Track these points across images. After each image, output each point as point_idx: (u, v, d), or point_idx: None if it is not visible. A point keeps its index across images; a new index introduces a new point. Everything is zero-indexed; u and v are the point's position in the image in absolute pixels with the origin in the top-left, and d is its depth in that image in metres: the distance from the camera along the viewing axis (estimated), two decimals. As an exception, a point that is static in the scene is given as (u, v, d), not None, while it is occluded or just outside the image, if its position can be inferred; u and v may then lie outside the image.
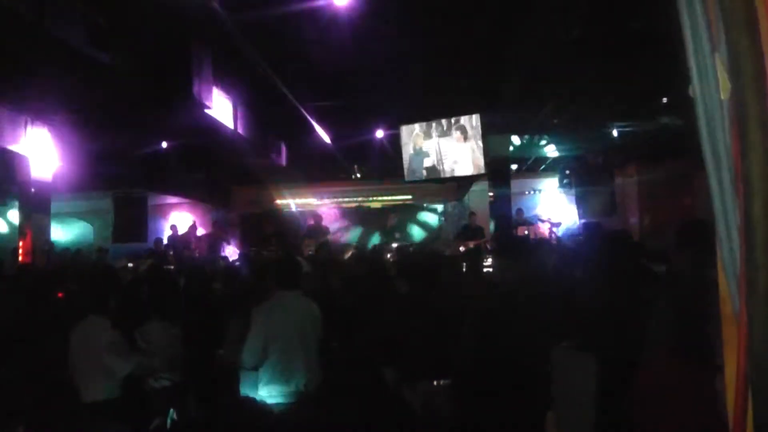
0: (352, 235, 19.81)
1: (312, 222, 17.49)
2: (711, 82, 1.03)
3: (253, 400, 4.92)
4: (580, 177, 15.56)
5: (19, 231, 12.03)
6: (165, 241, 16.77)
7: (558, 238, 14.54)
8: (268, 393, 4.90)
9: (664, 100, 11.35)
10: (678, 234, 3.82)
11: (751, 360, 0.98)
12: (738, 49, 0.92)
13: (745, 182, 0.94)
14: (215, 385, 5.41)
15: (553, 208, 18.06)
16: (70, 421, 4.88)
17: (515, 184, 16.38)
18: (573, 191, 16.37)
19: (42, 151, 11.41)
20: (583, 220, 14.98)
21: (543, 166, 18.54)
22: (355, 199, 20.10)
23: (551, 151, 15.86)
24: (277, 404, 4.88)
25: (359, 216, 20.20)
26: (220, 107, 11.31)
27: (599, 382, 3.38)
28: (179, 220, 19.19)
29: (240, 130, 12.65)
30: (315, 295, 6.67)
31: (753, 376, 0.99)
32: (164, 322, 5.41)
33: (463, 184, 17.21)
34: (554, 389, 3.56)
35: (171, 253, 15.53)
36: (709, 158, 1.04)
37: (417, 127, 13.18)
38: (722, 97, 1.01)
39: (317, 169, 19.30)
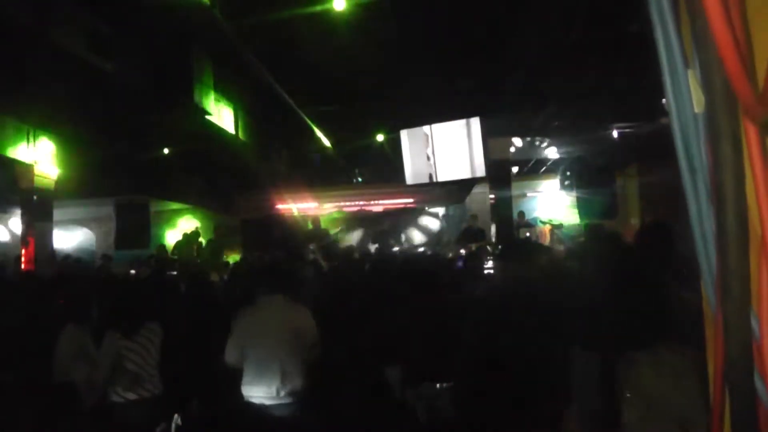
0: (353, 238, 19.83)
1: (311, 226, 17.51)
2: (685, 96, 1.07)
3: (254, 405, 4.95)
4: (581, 179, 15.57)
5: (22, 239, 12.05)
6: (170, 247, 16.80)
7: (559, 240, 14.55)
8: (247, 393, 4.98)
9: (665, 100, 11.36)
10: (639, 234, 3.89)
11: (727, 359, 1.03)
12: (709, 66, 0.97)
13: (718, 194, 0.99)
14: (218, 389, 5.42)
15: (555, 210, 18.08)
16: (73, 427, 4.91)
17: (516, 187, 16.41)
18: (574, 193, 16.37)
19: (44, 159, 11.47)
20: (584, 222, 14.99)
21: (544, 168, 18.56)
22: (356, 202, 20.13)
23: (552, 153, 15.88)
24: (259, 405, 4.95)
25: (360, 220, 20.24)
26: (221, 113, 11.36)
27: (602, 378, 3.44)
28: (181, 226, 19.23)
29: (241, 136, 12.70)
30: (317, 298, 6.73)
31: (729, 374, 1.04)
32: (117, 333, 5.10)
33: (464, 186, 17.24)
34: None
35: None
36: (685, 169, 1.09)
37: (417, 131, 13.21)
38: (696, 111, 1.05)
39: (318, 174, 19.35)
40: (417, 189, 16.90)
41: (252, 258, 13.74)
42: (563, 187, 17.35)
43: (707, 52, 0.96)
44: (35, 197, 11.68)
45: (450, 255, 12.69)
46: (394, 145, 14.28)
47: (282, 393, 4.90)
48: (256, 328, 5.05)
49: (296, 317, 5.17)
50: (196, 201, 19.02)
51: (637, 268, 3.87)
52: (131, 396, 5.03)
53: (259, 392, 4.95)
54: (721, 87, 0.95)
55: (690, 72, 1.06)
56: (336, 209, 20.18)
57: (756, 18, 0.97)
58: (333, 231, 18.90)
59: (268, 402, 4.93)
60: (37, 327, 5.83)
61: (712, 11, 0.87)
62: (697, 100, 1.04)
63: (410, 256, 12.66)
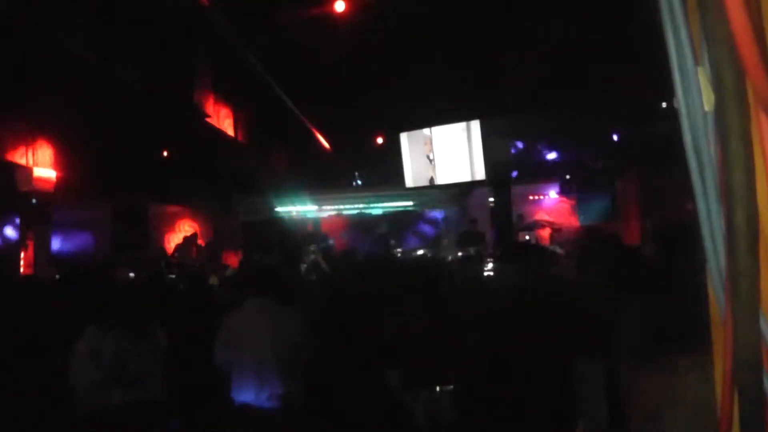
0: (352, 241, 19.80)
1: (311, 228, 17.50)
2: (695, 94, 1.06)
3: (250, 407, 4.95)
4: (580, 182, 15.58)
5: (21, 242, 12.04)
6: (170, 250, 16.77)
7: (559, 244, 14.55)
8: (235, 396, 5.00)
9: (664, 104, 11.38)
10: (658, 237, 3.88)
11: (736, 361, 1.02)
12: (720, 63, 0.96)
13: (728, 193, 0.98)
14: (215, 392, 5.41)
15: (554, 213, 18.07)
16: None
17: (516, 190, 16.42)
18: (574, 196, 16.38)
19: (43, 161, 11.46)
20: (584, 225, 15.00)
21: (543, 172, 18.55)
22: (355, 205, 20.10)
23: (552, 156, 15.90)
24: (248, 408, 4.97)
25: (360, 222, 20.20)
26: (221, 115, 11.36)
27: (607, 389, 3.44)
28: (180, 228, 19.19)
29: (240, 138, 12.70)
30: (316, 302, 6.71)
31: (738, 377, 1.03)
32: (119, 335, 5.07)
33: (463, 189, 17.24)
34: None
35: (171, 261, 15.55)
36: (694, 168, 1.07)
37: (417, 134, 13.21)
38: (706, 109, 1.04)
39: (317, 176, 19.35)
40: (417, 192, 16.89)
41: (253, 260, 13.73)
42: (563, 190, 17.36)
43: (718, 48, 0.95)
44: (34, 200, 11.67)
45: (449, 258, 12.70)
46: (394, 147, 14.28)
47: (263, 396, 4.90)
48: (239, 331, 5.05)
49: (280, 320, 5.13)
50: (195, 203, 19.00)
51: (647, 269, 3.86)
52: (132, 398, 5.02)
53: (243, 396, 4.95)
54: (732, 84, 0.94)
55: (700, 69, 1.05)
56: (335, 212, 20.16)
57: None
58: (334, 234, 18.89)
59: (252, 405, 4.93)
60: (38, 330, 5.82)
61: (731, 3, 0.86)
62: (707, 98, 1.03)
63: (410, 258, 12.66)
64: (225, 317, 5.19)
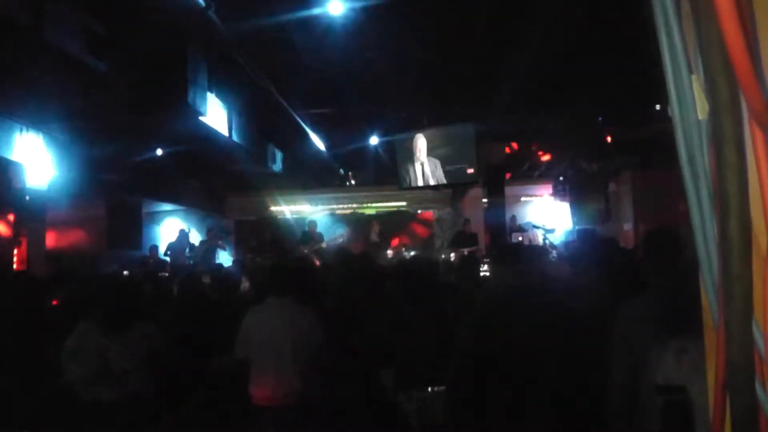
0: (347, 241, 19.80)
1: (306, 228, 17.48)
2: (689, 102, 1.06)
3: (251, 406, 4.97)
4: (574, 184, 15.60)
5: (14, 239, 12.00)
6: (164, 249, 16.74)
7: (551, 245, 14.58)
8: (251, 393, 5.03)
9: (658, 107, 11.41)
10: (644, 242, 3.88)
11: (728, 367, 1.03)
12: (714, 72, 0.96)
13: (721, 200, 0.98)
14: (211, 391, 5.41)
15: (548, 214, 18.10)
16: (69, 428, 4.90)
17: (509, 191, 16.44)
18: (567, 198, 16.41)
19: (37, 159, 11.42)
20: (577, 227, 15.02)
21: (537, 173, 18.59)
22: (349, 205, 20.11)
23: (545, 157, 15.92)
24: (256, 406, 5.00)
25: (354, 222, 20.22)
26: (215, 114, 11.34)
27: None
28: (174, 227, 19.17)
29: (235, 138, 12.68)
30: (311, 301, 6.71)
31: (730, 382, 1.03)
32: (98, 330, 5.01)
33: (457, 191, 17.25)
34: None
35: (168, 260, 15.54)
36: (688, 175, 1.08)
37: (412, 135, 13.21)
38: (699, 117, 1.05)
39: (312, 176, 19.35)
40: (410, 192, 16.90)
41: (245, 260, 13.73)
42: (556, 191, 17.38)
43: (712, 56, 0.95)
44: (28, 197, 11.64)
45: (443, 257, 12.72)
46: (388, 148, 14.28)
47: (277, 394, 4.91)
48: (258, 328, 5.07)
49: (299, 320, 5.14)
50: (189, 202, 18.98)
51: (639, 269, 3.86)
52: (114, 395, 4.97)
53: (258, 392, 4.99)
54: (726, 92, 0.94)
55: (694, 77, 1.05)
56: (330, 212, 20.17)
57: (764, 22, 0.96)
58: (328, 234, 18.89)
59: (264, 403, 4.95)
60: (32, 327, 5.81)
61: (724, 15, 0.87)
62: (701, 106, 1.04)
63: (404, 259, 12.66)
64: (247, 313, 5.21)
